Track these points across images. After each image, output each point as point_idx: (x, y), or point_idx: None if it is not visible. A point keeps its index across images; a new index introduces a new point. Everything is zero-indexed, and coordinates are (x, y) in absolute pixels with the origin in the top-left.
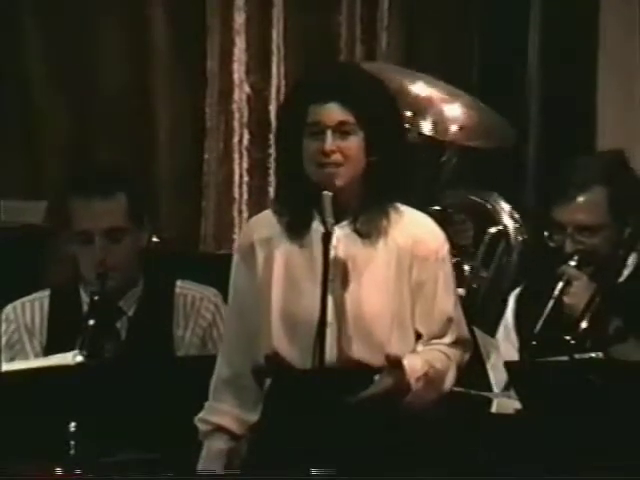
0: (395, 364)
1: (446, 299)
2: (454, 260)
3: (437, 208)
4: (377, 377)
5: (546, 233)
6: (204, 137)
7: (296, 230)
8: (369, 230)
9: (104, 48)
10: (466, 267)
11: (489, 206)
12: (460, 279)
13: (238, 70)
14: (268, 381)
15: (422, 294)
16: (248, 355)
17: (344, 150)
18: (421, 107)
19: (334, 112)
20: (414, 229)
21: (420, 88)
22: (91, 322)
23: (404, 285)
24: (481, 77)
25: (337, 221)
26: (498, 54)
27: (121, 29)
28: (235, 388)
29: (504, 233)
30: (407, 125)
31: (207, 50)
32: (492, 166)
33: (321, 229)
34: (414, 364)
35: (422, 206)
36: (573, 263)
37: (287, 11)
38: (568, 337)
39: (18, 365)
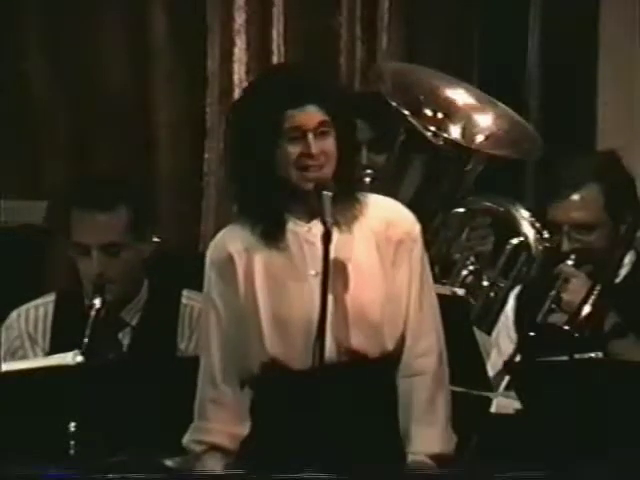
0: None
1: (421, 280)
2: (473, 268)
3: (460, 210)
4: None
5: (546, 233)
6: (204, 137)
7: (274, 236)
8: (346, 220)
9: (104, 48)
10: (484, 277)
11: (509, 214)
12: (478, 288)
13: (238, 70)
14: (261, 387)
15: (399, 276)
16: (233, 369)
17: (326, 151)
18: (452, 111)
19: (313, 114)
20: (386, 213)
21: (453, 92)
22: (88, 333)
23: (386, 268)
24: (481, 77)
25: (313, 218)
26: (498, 54)
27: (121, 29)
28: (222, 405)
29: (525, 244)
30: (435, 127)
31: (207, 50)
32: (491, 166)
33: (296, 229)
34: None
35: (445, 210)
36: (570, 262)
37: (287, 11)
38: (567, 327)
39: (18, 365)
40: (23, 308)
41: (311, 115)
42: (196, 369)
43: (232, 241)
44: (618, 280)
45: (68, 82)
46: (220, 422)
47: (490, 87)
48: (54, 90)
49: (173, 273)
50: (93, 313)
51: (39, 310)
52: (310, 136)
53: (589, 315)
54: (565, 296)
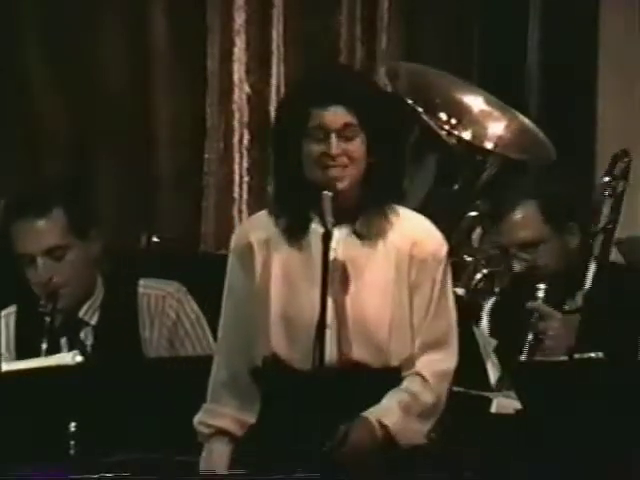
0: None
1: (441, 303)
2: (486, 271)
3: (473, 214)
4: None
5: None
6: (204, 137)
7: (295, 232)
8: (368, 232)
9: (104, 48)
10: (497, 280)
11: None
12: (490, 290)
13: (238, 70)
14: (266, 382)
15: (418, 297)
16: (246, 356)
17: (349, 153)
18: (466, 118)
19: (338, 115)
20: (413, 231)
21: (466, 97)
22: (44, 346)
23: (403, 287)
24: (481, 77)
25: (337, 222)
26: (498, 54)
27: (121, 29)
28: (234, 390)
29: None
30: (447, 131)
31: (207, 50)
32: (516, 171)
33: (320, 230)
34: (380, 407)
35: (458, 212)
36: (541, 294)
37: (287, 11)
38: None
39: (18, 365)
40: None
41: (336, 116)
42: (195, 368)
43: (255, 230)
44: (583, 292)
45: (68, 82)
46: (229, 407)
47: (490, 87)
48: (54, 90)
49: (167, 265)
50: (47, 320)
51: (1, 322)
52: (333, 136)
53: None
54: (548, 341)
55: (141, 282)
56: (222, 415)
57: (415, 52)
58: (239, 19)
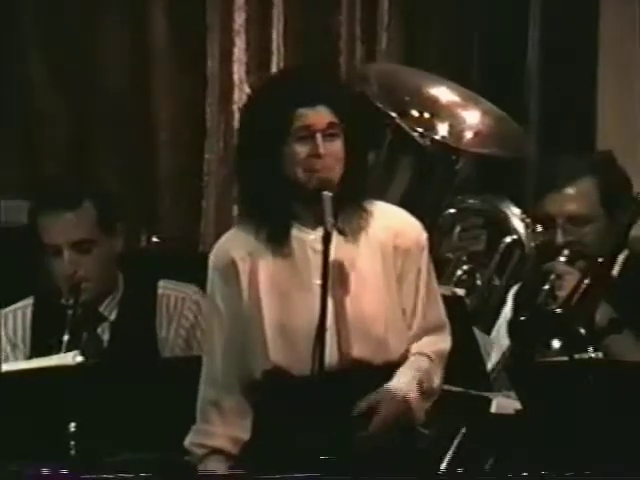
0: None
1: (429, 288)
2: (467, 267)
3: (452, 211)
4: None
5: (539, 228)
6: (204, 137)
7: (278, 239)
8: (351, 229)
9: (104, 48)
10: (478, 276)
11: (501, 212)
12: (472, 287)
13: (238, 70)
14: (263, 394)
15: (406, 285)
16: (235, 373)
17: (334, 153)
18: (437, 110)
19: (323, 115)
20: (392, 222)
21: (438, 91)
22: (67, 333)
23: (391, 278)
24: (481, 77)
25: (319, 224)
26: (498, 54)
27: (121, 29)
28: (223, 408)
29: (518, 242)
30: (422, 128)
31: (207, 50)
32: (491, 166)
33: (301, 236)
34: (401, 381)
35: (435, 210)
36: (563, 259)
37: (287, 11)
38: (558, 310)
39: (18, 365)
40: (2, 313)
41: (322, 115)
42: (194, 368)
43: (235, 246)
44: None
45: (68, 82)
46: (222, 426)
47: (490, 87)
48: (54, 90)
49: (167, 264)
50: (70, 313)
51: (17, 314)
52: (319, 136)
53: (580, 299)
54: (560, 293)
55: (161, 283)
56: (215, 435)
57: (415, 52)
58: (239, 19)
